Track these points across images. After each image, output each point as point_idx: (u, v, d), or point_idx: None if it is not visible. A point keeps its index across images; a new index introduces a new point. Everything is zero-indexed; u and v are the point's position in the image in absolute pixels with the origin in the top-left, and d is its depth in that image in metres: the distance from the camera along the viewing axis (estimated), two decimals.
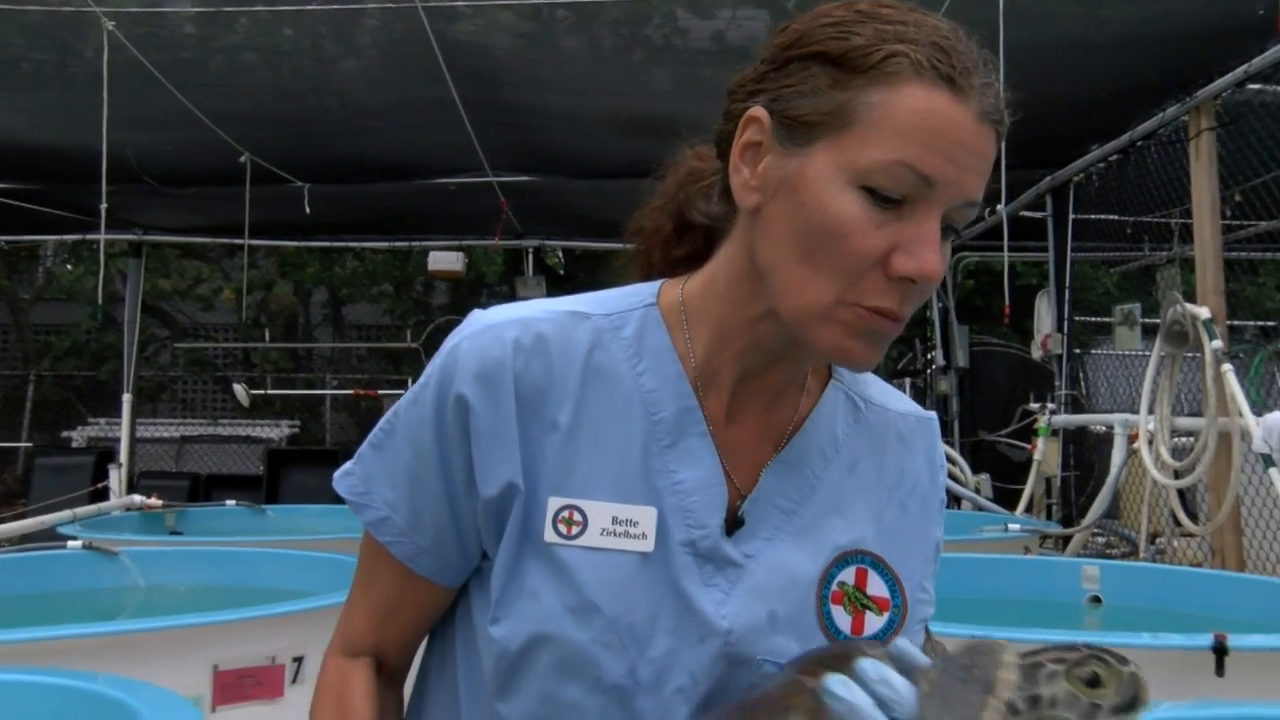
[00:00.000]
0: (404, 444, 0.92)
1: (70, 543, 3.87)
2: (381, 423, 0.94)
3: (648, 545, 0.88)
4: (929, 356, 8.41)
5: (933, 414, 1.03)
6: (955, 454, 6.82)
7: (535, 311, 0.92)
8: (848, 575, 0.92)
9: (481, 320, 0.91)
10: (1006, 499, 6.40)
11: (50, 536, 4.51)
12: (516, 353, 0.88)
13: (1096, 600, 3.38)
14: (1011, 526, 4.66)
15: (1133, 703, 0.74)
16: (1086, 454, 6.00)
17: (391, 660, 0.98)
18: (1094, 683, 0.73)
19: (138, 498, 5.72)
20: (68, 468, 8.43)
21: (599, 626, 0.86)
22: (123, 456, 7.77)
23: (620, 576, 0.87)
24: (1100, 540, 5.35)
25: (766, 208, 0.84)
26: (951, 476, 6.25)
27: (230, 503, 5.77)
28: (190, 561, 3.96)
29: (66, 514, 4.97)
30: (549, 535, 0.88)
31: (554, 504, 0.88)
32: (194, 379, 13.68)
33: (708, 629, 0.87)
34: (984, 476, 6.92)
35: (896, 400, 1.02)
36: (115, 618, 3.41)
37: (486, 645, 0.90)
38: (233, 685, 2.49)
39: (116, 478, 7.33)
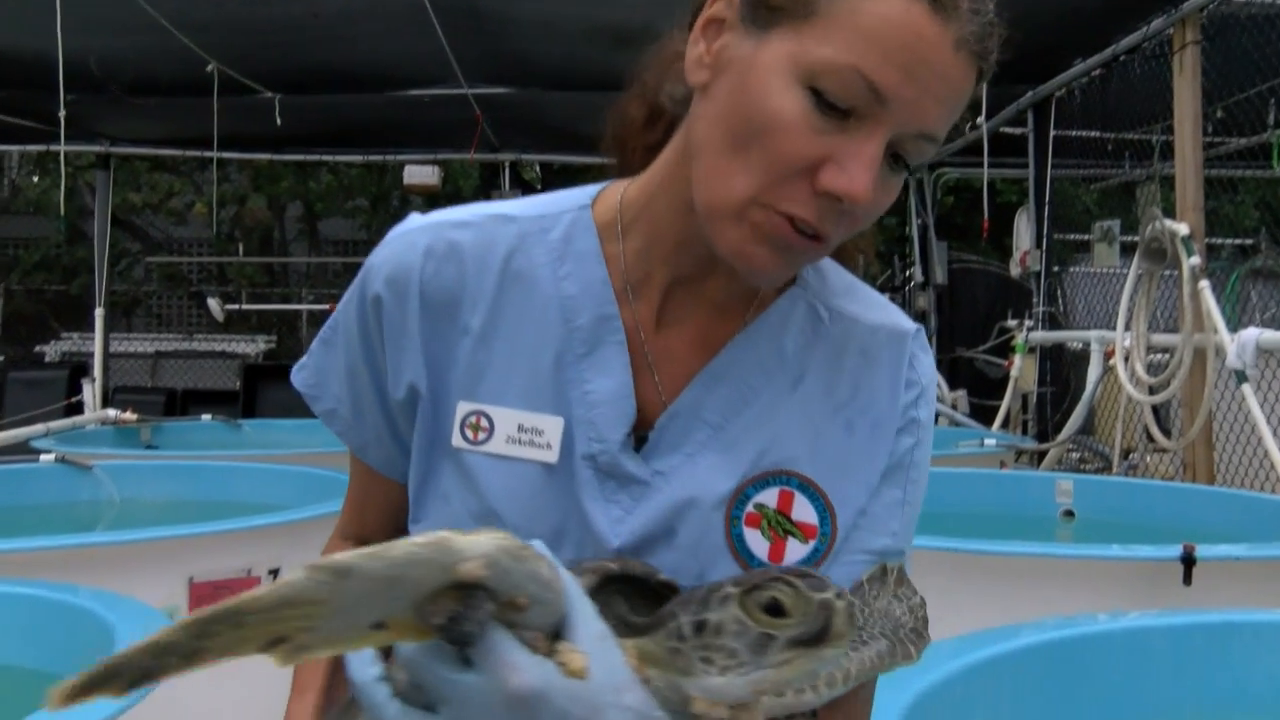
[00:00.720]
0: (342, 340, 0.93)
1: (43, 456, 3.86)
2: (330, 319, 0.95)
3: (551, 456, 0.86)
4: (907, 273, 8.41)
5: (913, 328, 0.93)
6: None
7: (457, 216, 0.91)
8: (769, 497, 0.86)
9: (403, 225, 0.91)
10: (983, 415, 6.46)
11: (24, 451, 4.49)
12: (427, 259, 0.88)
13: (1070, 514, 3.42)
14: (988, 442, 4.70)
15: (821, 635, 0.66)
16: (1063, 371, 6.04)
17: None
18: (775, 610, 0.66)
19: (112, 412, 5.69)
20: (41, 382, 8.38)
21: None
22: (96, 371, 7.71)
23: (523, 486, 0.86)
24: (1074, 456, 5.40)
25: (712, 86, 0.79)
26: None
27: (206, 417, 5.75)
28: (165, 475, 3.95)
29: (40, 428, 4.94)
30: (456, 440, 0.87)
31: (463, 409, 0.87)
32: (168, 294, 13.56)
33: (600, 546, 0.85)
34: (961, 393, 6.97)
35: (873, 311, 0.93)
36: (90, 530, 3.40)
37: None
38: (208, 597, 2.49)
39: (90, 392, 7.30)
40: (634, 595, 0.77)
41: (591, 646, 0.65)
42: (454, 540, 0.59)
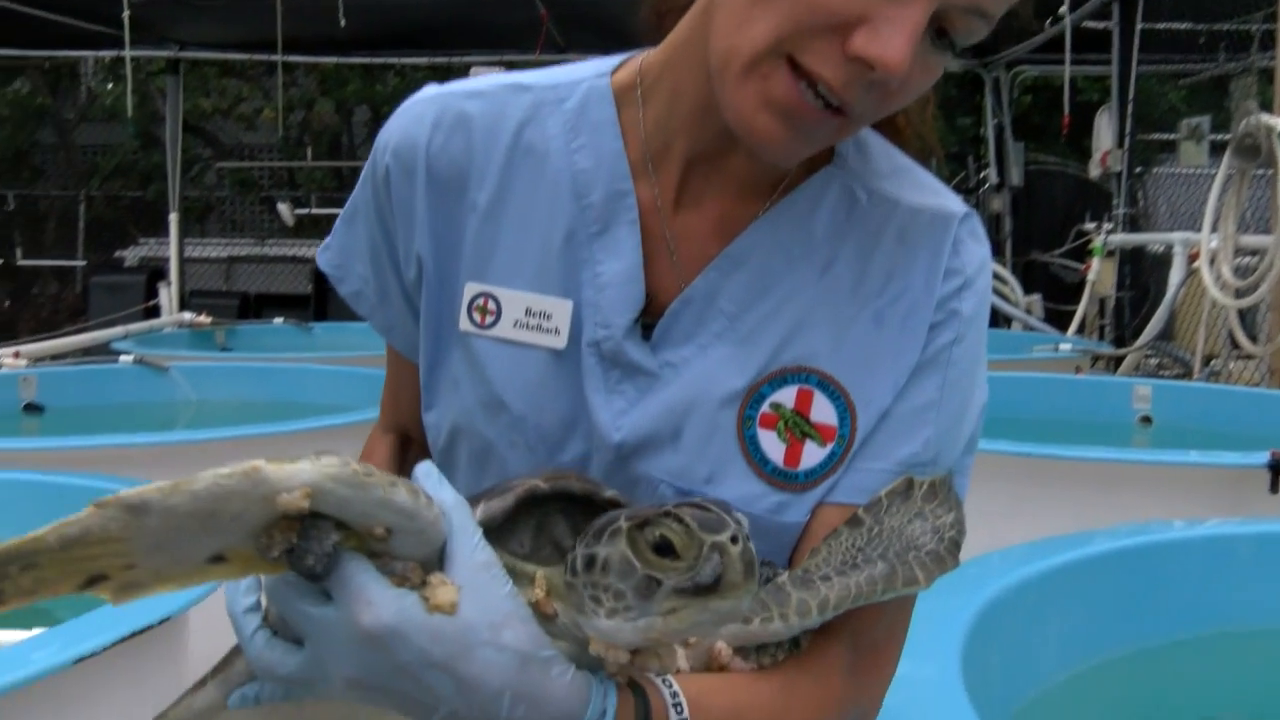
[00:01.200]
0: (362, 218, 0.89)
1: (122, 358, 3.97)
2: (350, 197, 0.92)
3: (559, 342, 0.80)
4: (982, 175, 8.18)
5: (961, 210, 0.82)
6: (1006, 273, 6.71)
7: (471, 86, 0.86)
8: (786, 396, 0.79)
9: (412, 97, 0.87)
10: (1059, 320, 6.32)
11: (106, 352, 4.61)
12: (434, 131, 0.83)
13: (1147, 420, 3.34)
14: (1063, 347, 4.60)
15: (713, 586, 0.58)
16: (1143, 275, 5.86)
17: (416, 434, 0.95)
18: (665, 549, 0.59)
19: (188, 315, 5.82)
20: (122, 286, 8.61)
21: (504, 424, 0.82)
22: (172, 275, 7.86)
23: (530, 374, 0.81)
24: (1153, 362, 5.27)
25: None
26: (1001, 295, 6.16)
27: (278, 320, 5.84)
28: (239, 377, 4.04)
29: (119, 330, 5.07)
30: (463, 323, 0.83)
31: (470, 290, 0.82)
32: (240, 199, 13.71)
33: (602, 440, 0.80)
34: (1035, 297, 6.81)
35: (919, 193, 0.82)
36: (167, 429, 3.49)
37: (427, 431, 0.88)
38: None
39: (166, 296, 7.45)
40: (581, 515, 0.69)
41: (469, 578, 0.60)
42: (266, 470, 0.53)
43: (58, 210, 12.72)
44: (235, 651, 0.70)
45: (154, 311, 7.35)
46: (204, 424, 3.63)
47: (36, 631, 1.40)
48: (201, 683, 0.71)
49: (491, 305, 0.82)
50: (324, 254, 0.93)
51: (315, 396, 3.66)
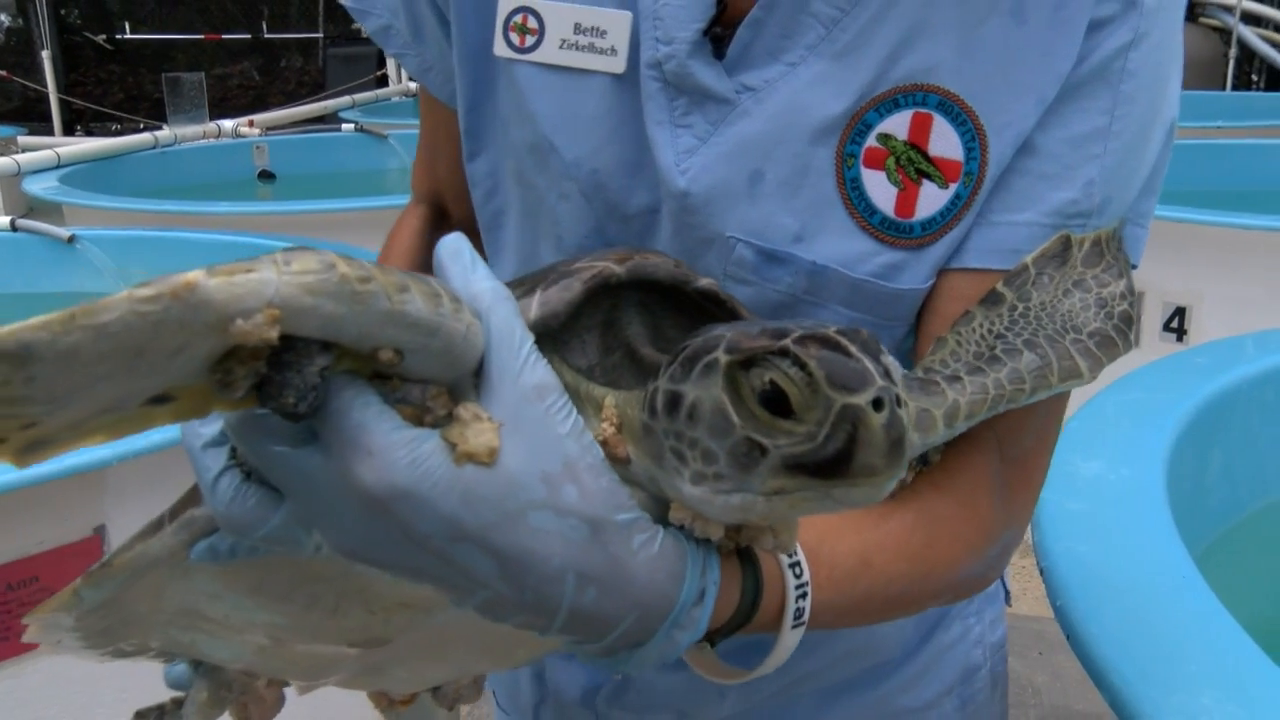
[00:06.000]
0: None
1: (344, 126, 4.13)
2: None
3: (618, 64, 0.67)
4: None
5: None
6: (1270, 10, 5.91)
7: None
8: (898, 124, 0.62)
9: None
10: None
11: (336, 120, 4.79)
12: None
13: None
14: None
15: (840, 466, 0.39)
16: None
17: (453, 207, 0.88)
18: (777, 402, 0.40)
19: (413, 84, 5.91)
20: (357, 57, 8.91)
21: (556, 171, 0.69)
22: None
23: (582, 107, 0.68)
24: None
25: None
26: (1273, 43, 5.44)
27: None
28: None
29: (346, 99, 5.24)
30: (499, 47, 0.70)
31: (506, 4, 0.69)
32: None
33: (667, 186, 0.66)
34: None
35: None
36: (382, 195, 3.60)
37: (472, 187, 0.77)
38: None
39: (393, 65, 7.62)
40: (662, 309, 0.53)
41: (515, 410, 0.43)
42: (206, 289, 0.36)
43: None
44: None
45: (385, 81, 7.56)
46: None
47: None
48: (158, 523, 0.54)
49: (532, 22, 0.68)
50: None
51: None
